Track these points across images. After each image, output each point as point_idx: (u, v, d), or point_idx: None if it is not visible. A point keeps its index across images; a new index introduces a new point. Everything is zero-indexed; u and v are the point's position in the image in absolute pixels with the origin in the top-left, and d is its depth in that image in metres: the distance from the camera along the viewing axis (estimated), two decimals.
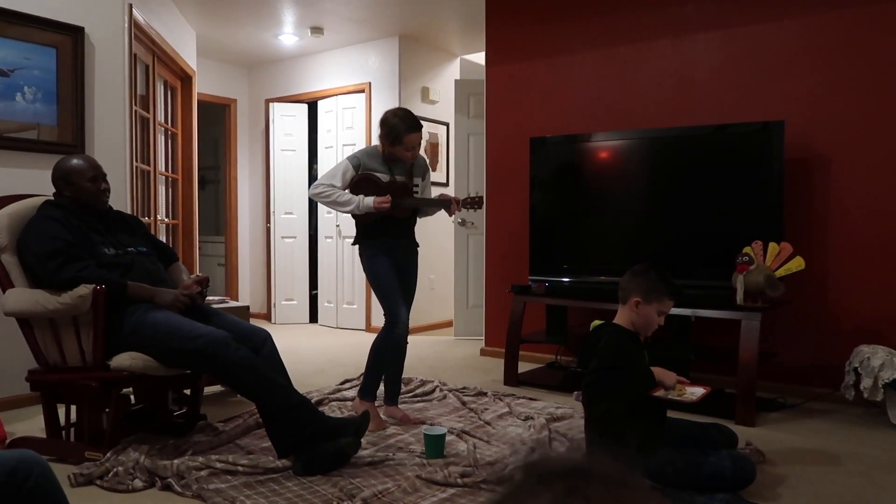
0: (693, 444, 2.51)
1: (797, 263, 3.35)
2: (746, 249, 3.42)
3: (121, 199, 3.80)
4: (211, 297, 3.83)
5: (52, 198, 2.86)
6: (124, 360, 2.59)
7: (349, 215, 3.25)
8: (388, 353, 3.21)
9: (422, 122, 3.22)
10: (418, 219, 3.36)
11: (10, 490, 1.30)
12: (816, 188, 3.75)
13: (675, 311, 2.70)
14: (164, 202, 5.20)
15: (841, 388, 3.43)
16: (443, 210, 3.28)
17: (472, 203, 3.22)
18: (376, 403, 3.25)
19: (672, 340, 3.79)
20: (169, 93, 5.37)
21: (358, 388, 3.34)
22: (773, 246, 3.38)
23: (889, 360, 3.21)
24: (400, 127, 3.12)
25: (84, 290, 2.57)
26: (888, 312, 3.55)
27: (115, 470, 2.46)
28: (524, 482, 0.46)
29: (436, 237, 5.98)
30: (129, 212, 3.81)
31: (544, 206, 4.34)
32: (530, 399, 3.68)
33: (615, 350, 2.42)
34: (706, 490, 2.31)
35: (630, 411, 2.39)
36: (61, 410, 2.85)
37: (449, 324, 6.21)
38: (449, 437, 2.86)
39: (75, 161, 2.85)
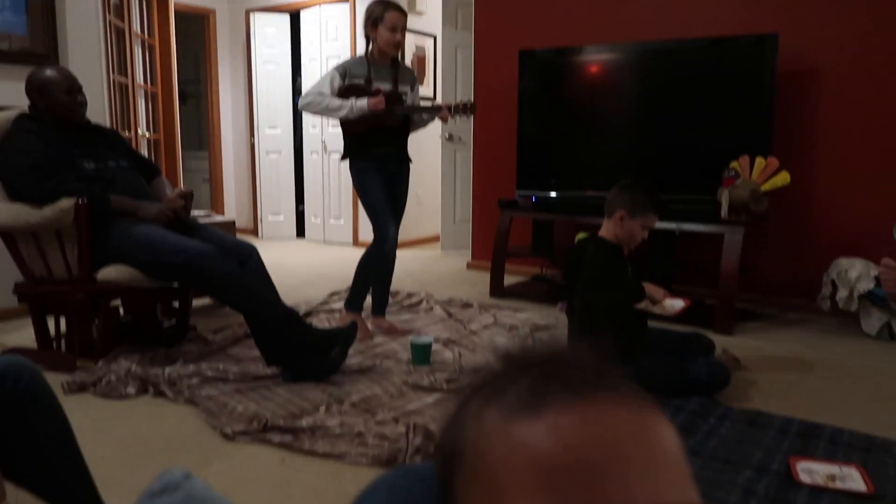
0: (672, 351, 2.59)
1: (783, 178, 3.36)
2: (733, 164, 3.41)
3: (98, 112, 3.71)
4: (196, 212, 3.81)
5: (27, 110, 2.78)
6: (111, 272, 2.60)
7: (337, 129, 3.18)
8: (375, 269, 3.23)
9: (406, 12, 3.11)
10: (410, 133, 3.30)
11: (1, 393, 1.32)
12: (806, 103, 3.71)
13: (660, 224, 2.72)
14: (144, 116, 5.08)
15: (818, 300, 3.51)
16: (435, 119, 3.23)
17: (464, 109, 3.12)
18: (363, 315, 3.30)
19: (657, 254, 3.84)
20: (144, 2, 5.15)
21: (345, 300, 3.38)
22: (759, 160, 3.38)
23: (866, 272, 3.28)
24: (380, 8, 3.04)
25: (66, 203, 2.54)
26: (868, 226, 3.58)
27: (107, 378, 2.51)
28: (502, 369, 0.47)
29: (424, 152, 5.91)
30: (107, 126, 3.72)
31: (533, 120, 4.28)
32: (515, 311, 3.75)
33: (604, 263, 2.46)
34: (683, 394, 2.41)
35: (614, 320, 2.45)
36: (51, 323, 2.88)
37: (436, 238, 6.24)
38: (435, 346, 2.92)
39: (49, 72, 2.76)
